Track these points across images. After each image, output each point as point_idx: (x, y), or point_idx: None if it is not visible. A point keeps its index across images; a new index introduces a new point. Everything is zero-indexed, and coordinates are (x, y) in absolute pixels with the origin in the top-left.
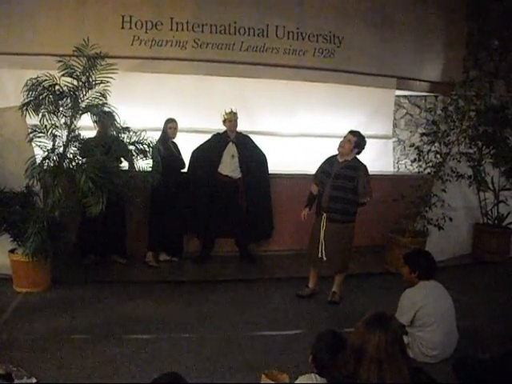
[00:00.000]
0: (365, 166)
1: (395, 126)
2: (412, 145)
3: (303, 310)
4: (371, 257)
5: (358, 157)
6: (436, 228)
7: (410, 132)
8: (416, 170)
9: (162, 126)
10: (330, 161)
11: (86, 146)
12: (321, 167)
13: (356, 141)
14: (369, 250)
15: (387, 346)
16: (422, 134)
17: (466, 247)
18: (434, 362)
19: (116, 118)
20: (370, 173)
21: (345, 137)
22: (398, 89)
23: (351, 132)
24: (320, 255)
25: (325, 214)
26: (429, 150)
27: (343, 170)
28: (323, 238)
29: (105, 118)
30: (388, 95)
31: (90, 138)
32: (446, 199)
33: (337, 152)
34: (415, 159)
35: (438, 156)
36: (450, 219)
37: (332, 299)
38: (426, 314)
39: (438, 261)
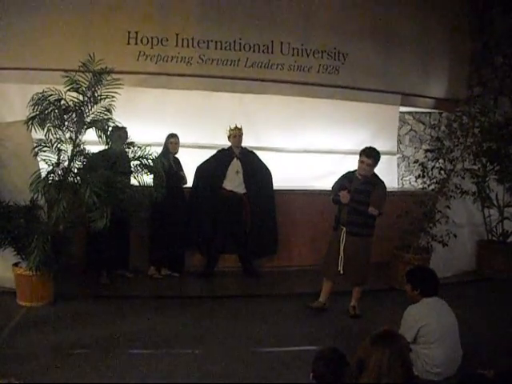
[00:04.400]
0: (383, 183)
1: (399, 142)
2: (416, 161)
3: (307, 326)
4: (375, 273)
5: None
6: (440, 244)
7: (415, 148)
8: (420, 186)
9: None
10: (349, 177)
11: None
12: (338, 183)
13: (373, 161)
14: (373, 266)
15: (389, 361)
16: (427, 151)
17: (470, 264)
18: (437, 380)
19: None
20: None
21: (362, 161)
22: (402, 105)
23: (367, 155)
24: (339, 269)
25: (344, 228)
26: (433, 167)
27: (363, 186)
28: (343, 252)
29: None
30: (392, 111)
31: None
32: (450, 215)
33: (355, 168)
34: (419, 175)
35: (443, 172)
36: (455, 235)
37: (355, 313)
38: (430, 331)
39: (442, 277)
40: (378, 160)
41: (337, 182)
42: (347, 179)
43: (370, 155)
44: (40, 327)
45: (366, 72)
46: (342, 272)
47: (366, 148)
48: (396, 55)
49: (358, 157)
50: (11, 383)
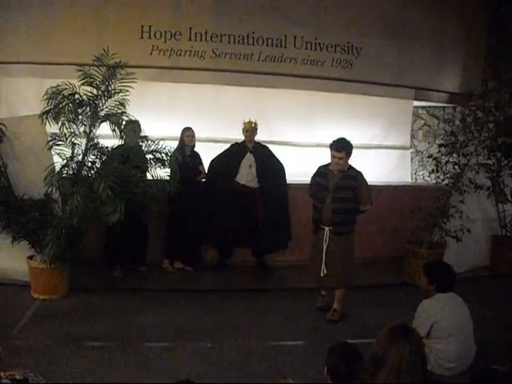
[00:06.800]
0: (362, 173)
1: (413, 136)
2: (430, 156)
3: (319, 320)
4: (388, 268)
5: (352, 164)
6: (454, 239)
7: (428, 143)
8: (434, 181)
9: (179, 135)
10: (323, 173)
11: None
12: (314, 180)
13: (346, 153)
14: (386, 261)
15: (410, 357)
16: (440, 145)
17: (484, 259)
18: (451, 375)
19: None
20: (387, 184)
21: (333, 156)
22: (416, 99)
23: (336, 149)
24: (322, 273)
25: (327, 228)
26: (447, 161)
27: (344, 182)
28: (325, 253)
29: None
30: (406, 106)
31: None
32: (464, 210)
33: (327, 162)
34: (433, 170)
35: (456, 167)
36: (468, 231)
37: (332, 317)
38: (443, 326)
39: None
40: (351, 151)
41: (313, 180)
42: (321, 176)
43: (341, 148)
44: (54, 320)
45: (380, 66)
46: (324, 273)
47: (335, 141)
48: (410, 49)
49: (370, 151)
50: (26, 375)
